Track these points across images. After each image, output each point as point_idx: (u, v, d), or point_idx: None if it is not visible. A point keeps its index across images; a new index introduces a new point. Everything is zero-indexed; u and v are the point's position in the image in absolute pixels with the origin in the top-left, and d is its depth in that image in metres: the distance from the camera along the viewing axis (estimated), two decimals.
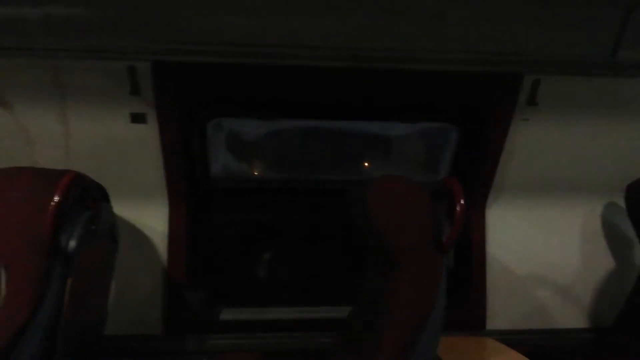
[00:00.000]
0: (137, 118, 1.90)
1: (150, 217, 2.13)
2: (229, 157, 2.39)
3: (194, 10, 1.67)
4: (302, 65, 1.83)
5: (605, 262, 2.31)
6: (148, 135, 1.94)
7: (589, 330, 2.33)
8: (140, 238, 2.12)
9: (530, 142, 2.08)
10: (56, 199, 1.41)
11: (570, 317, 2.32)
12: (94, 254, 1.66)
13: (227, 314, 2.21)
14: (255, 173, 2.52)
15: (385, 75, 1.89)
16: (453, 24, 1.74)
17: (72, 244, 1.47)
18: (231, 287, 2.47)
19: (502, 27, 1.75)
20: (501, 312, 2.26)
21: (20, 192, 1.46)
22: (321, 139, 2.43)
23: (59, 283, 1.45)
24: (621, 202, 2.14)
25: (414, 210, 1.56)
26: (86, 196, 1.61)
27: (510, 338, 2.19)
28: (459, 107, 2.06)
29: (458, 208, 1.49)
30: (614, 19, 1.76)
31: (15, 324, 1.35)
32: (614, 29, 1.78)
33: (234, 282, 2.49)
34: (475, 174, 2.17)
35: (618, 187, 2.12)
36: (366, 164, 2.57)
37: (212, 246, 2.40)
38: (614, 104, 2.01)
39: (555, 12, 1.73)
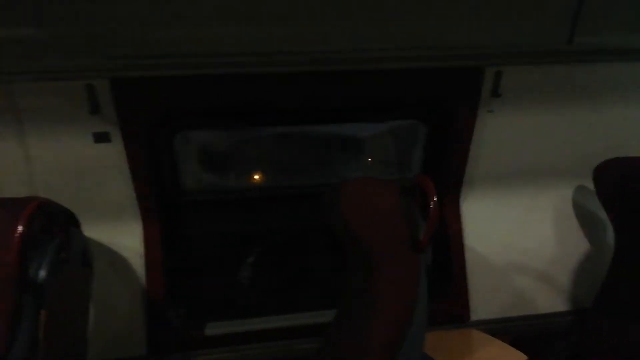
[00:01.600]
0: (101, 137, 1.86)
1: (123, 237, 2.09)
2: (199, 169, 2.36)
3: (149, 24, 1.63)
4: (263, 73, 1.81)
5: (580, 245, 2.36)
6: (114, 153, 1.90)
7: (570, 313, 2.37)
8: (115, 259, 2.08)
9: (497, 132, 2.10)
10: (20, 229, 1.36)
11: (551, 301, 2.36)
12: (67, 281, 1.62)
13: (211, 329, 2.18)
14: (228, 183, 2.49)
15: (346, 77, 1.89)
16: (411, 22, 1.74)
17: (42, 274, 1.42)
18: (213, 300, 2.44)
19: (461, 22, 1.77)
20: (483, 303, 2.29)
21: None
22: (292, 144, 2.42)
23: (32, 316, 1.40)
24: (590, 185, 2.19)
25: (388, 211, 1.56)
26: (53, 223, 1.56)
27: (494, 327, 2.22)
28: (424, 103, 2.07)
29: (432, 205, 1.50)
30: (569, 6, 1.79)
31: None
32: (570, 16, 1.81)
33: (215, 296, 2.46)
34: (447, 168, 2.19)
35: (586, 171, 2.16)
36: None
37: (191, 261, 2.37)
38: (575, 89, 2.05)
39: (511, 2, 1.75)
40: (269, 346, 2.20)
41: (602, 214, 2.20)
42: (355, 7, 1.67)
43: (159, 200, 2.08)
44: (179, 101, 1.87)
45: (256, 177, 2.49)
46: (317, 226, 2.42)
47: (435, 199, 1.50)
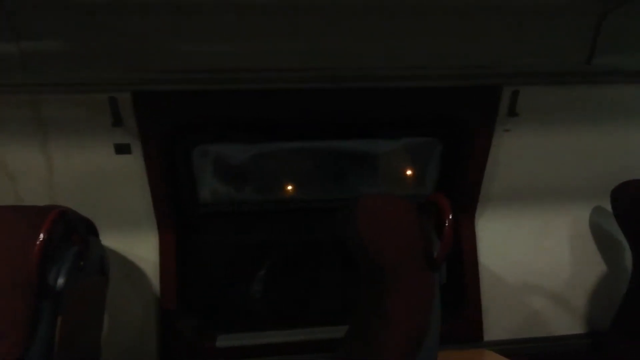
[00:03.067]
0: (122, 149, 1.90)
1: (140, 247, 2.11)
2: (217, 182, 2.39)
3: (172, 39, 1.68)
4: (284, 89, 1.84)
5: (596, 266, 2.33)
6: (133, 165, 1.93)
7: (586, 336, 2.33)
8: (131, 269, 2.10)
9: (513, 151, 2.10)
10: (41, 237, 1.39)
11: (566, 323, 2.32)
12: (84, 289, 1.64)
13: (223, 341, 2.19)
14: (244, 196, 2.51)
15: (365, 93, 1.91)
16: (430, 41, 1.76)
17: (61, 281, 1.45)
18: (225, 312, 2.45)
19: (479, 41, 1.78)
20: (497, 323, 2.26)
21: (4, 232, 1.44)
22: (308, 159, 2.44)
23: (49, 322, 1.43)
24: (608, 206, 2.16)
25: (403, 228, 1.56)
26: (73, 231, 1.59)
27: (508, 348, 2.19)
28: (441, 121, 2.08)
29: (447, 223, 1.50)
30: (588, 27, 1.79)
31: None
32: (588, 37, 1.81)
33: (228, 308, 2.47)
34: (462, 186, 2.19)
35: (604, 192, 2.15)
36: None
37: (204, 272, 2.38)
38: (592, 110, 2.05)
39: (529, 23, 1.76)
40: None
41: (620, 236, 2.18)
42: (375, 26, 1.69)
43: (176, 211, 2.10)
44: (199, 115, 1.90)
45: (272, 190, 2.51)
46: (331, 240, 2.43)
47: (450, 217, 1.51)
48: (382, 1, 1.62)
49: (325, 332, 2.24)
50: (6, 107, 1.77)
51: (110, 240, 1.93)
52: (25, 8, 1.53)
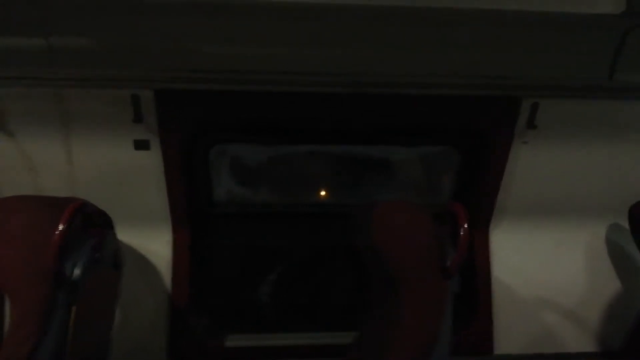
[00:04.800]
0: (141, 145, 1.92)
1: (154, 243, 2.13)
2: (232, 182, 2.40)
3: (196, 39, 1.71)
4: (304, 92, 1.86)
5: (611, 284, 2.29)
6: (151, 161, 1.96)
7: (597, 355, 2.29)
8: (144, 264, 2.12)
9: (531, 164, 2.09)
10: (61, 227, 1.42)
11: (578, 340, 2.29)
12: (98, 281, 1.66)
13: (232, 341, 2.19)
14: (258, 197, 2.52)
15: (386, 100, 1.91)
16: (452, 51, 1.77)
17: (77, 272, 1.47)
18: (235, 312, 2.45)
19: (500, 53, 1.78)
20: (508, 336, 2.24)
21: (24, 221, 1.47)
22: (323, 163, 2.44)
23: (64, 311, 1.45)
24: (625, 224, 2.14)
25: (418, 235, 1.56)
26: (90, 223, 1.62)
27: None
28: (459, 131, 2.08)
29: (462, 233, 1.49)
30: (611, 43, 1.79)
31: (21, 353, 1.35)
32: (611, 53, 1.81)
33: (238, 308, 2.47)
34: (478, 197, 2.18)
35: (621, 209, 2.12)
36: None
37: (216, 271, 2.39)
38: (612, 125, 2.03)
39: (552, 36, 1.76)
40: None
41: (636, 254, 2.14)
42: (395, 34, 1.70)
43: (191, 209, 2.12)
44: (219, 115, 1.92)
45: (286, 193, 2.52)
46: (342, 245, 2.43)
47: (466, 226, 1.50)
48: (404, 10, 1.62)
49: (334, 337, 2.24)
50: (31, 100, 1.81)
51: (125, 234, 1.95)
52: (56, 4, 1.57)
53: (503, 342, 2.24)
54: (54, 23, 1.63)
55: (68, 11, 1.61)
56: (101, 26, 1.66)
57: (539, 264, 2.25)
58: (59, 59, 1.70)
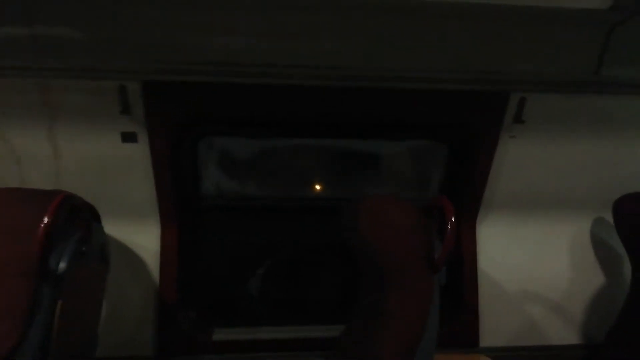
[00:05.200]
0: (128, 137, 1.91)
1: (141, 237, 2.12)
2: (220, 175, 2.39)
3: (184, 31, 1.69)
4: (293, 85, 1.85)
5: (595, 278, 2.33)
6: (139, 154, 1.94)
7: (581, 347, 2.33)
8: (131, 258, 2.11)
9: (518, 158, 2.10)
10: (46, 220, 1.40)
11: (562, 333, 2.32)
12: (84, 275, 1.65)
13: (220, 335, 2.19)
14: (247, 191, 2.52)
15: (374, 94, 1.91)
16: (440, 45, 1.77)
17: (62, 265, 1.46)
18: (224, 306, 2.45)
19: (488, 48, 1.79)
20: (494, 329, 2.26)
21: (9, 213, 1.45)
22: (312, 157, 2.44)
23: (49, 305, 1.43)
24: (609, 218, 2.17)
25: (405, 229, 1.57)
26: (76, 216, 1.60)
27: (503, 355, 2.19)
28: (447, 125, 2.09)
29: (449, 226, 1.50)
30: (598, 37, 1.80)
31: (4, 347, 1.33)
32: (598, 47, 1.82)
33: (226, 302, 2.47)
34: (465, 191, 2.19)
35: (606, 203, 2.15)
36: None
37: (204, 265, 2.39)
38: (598, 120, 2.05)
39: (539, 30, 1.77)
40: (275, 356, 2.20)
41: (620, 248, 2.18)
42: (383, 28, 1.70)
43: (179, 203, 2.11)
44: (206, 107, 1.91)
45: (275, 187, 2.52)
46: (331, 240, 2.43)
47: (453, 219, 1.51)
48: (391, 5, 1.62)
49: (322, 331, 2.24)
50: (15, 91, 1.78)
51: (112, 228, 1.94)
52: None
53: (489, 335, 2.26)
54: (37, 11, 1.60)
55: None
56: (87, 15, 1.63)
57: (525, 257, 2.28)
58: (44, 48, 1.67)
